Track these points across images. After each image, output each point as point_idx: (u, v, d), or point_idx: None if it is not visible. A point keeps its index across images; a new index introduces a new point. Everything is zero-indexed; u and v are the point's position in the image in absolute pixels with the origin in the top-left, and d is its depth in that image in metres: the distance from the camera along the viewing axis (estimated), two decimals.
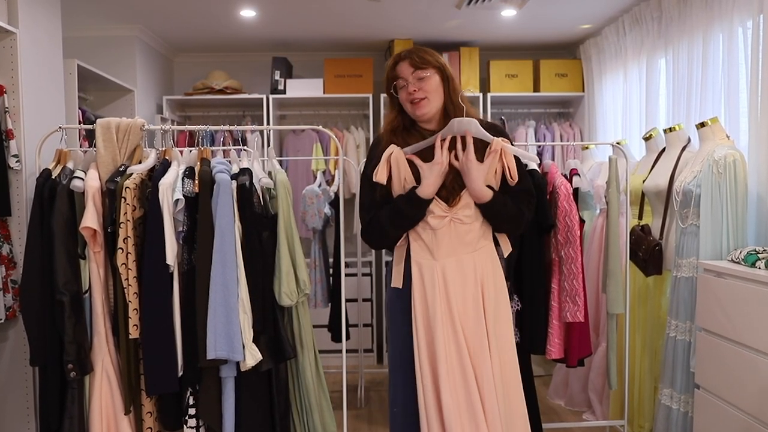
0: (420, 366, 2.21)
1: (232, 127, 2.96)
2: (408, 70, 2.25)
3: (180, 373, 2.56)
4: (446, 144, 2.19)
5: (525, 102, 5.45)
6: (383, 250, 5.21)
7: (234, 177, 2.63)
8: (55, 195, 2.57)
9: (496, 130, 2.33)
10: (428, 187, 2.19)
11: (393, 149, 2.21)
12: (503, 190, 2.25)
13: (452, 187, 2.23)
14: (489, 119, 4.72)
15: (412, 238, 2.27)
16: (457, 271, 2.23)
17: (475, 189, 2.19)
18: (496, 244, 2.36)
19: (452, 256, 2.23)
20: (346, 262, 4.57)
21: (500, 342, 2.25)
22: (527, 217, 2.31)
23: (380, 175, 2.19)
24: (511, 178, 2.19)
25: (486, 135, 2.21)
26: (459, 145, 2.19)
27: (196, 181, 2.59)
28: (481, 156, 2.21)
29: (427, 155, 2.21)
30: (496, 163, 2.21)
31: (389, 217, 2.23)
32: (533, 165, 2.32)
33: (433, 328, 2.20)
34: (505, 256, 2.38)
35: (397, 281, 2.31)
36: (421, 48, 2.31)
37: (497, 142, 2.19)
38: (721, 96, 3.30)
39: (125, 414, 2.58)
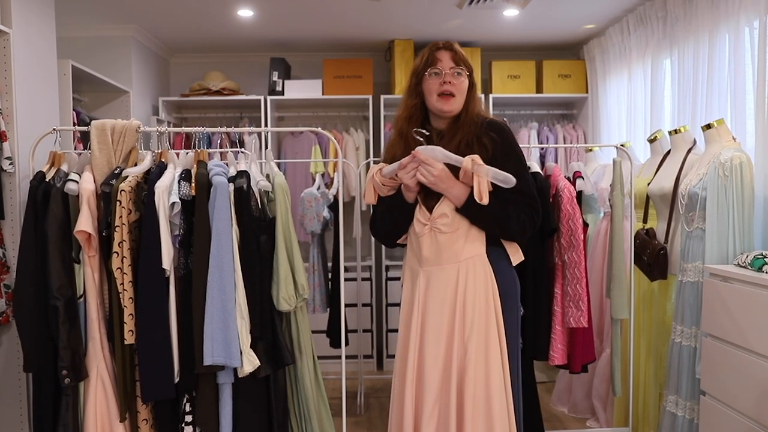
0: (396, 370, 2.31)
1: (229, 129, 2.93)
2: (448, 62, 2.27)
3: (176, 380, 2.54)
4: (410, 168, 2.19)
5: (527, 103, 5.43)
6: (383, 254, 5.19)
7: (231, 180, 2.62)
8: (49, 198, 2.55)
9: (497, 128, 2.28)
10: (406, 194, 2.27)
11: (374, 170, 2.29)
12: (494, 194, 2.17)
13: (433, 194, 2.23)
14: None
15: (408, 242, 2.35)
16: (438, 281, 2.23)
17: (448, 197, 2.21)
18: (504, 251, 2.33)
19: (435, 265, 2.24)
20: (345, 267, 4.54)
21: (485, 358, 2.19)
22: (517, 219, 2.22)
23: (368, 197, 2.31)
24: (480, 198, 2.11)
25: (455, 159, 2.16)
26: (423, 171, 2.16)
27: (193, 184, 2.57)
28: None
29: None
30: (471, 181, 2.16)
31: (382, 211, 2.34)
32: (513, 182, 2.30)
33: (407, 337, 2.27)
34: (513, 264, 2.33)
35: (402, 280, 2.41)
36: (457, 44, 2.33)
37: (466, 167, 2.14)
38: (728, 97, 3.27)
39: (120, 421, 2.56)
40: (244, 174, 2.64)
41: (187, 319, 2.53)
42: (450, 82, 2.24)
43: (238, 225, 2.58)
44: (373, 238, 5.06)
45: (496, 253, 2.27)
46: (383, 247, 5.20)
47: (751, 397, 2.51)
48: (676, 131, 3.34)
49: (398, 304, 5.00)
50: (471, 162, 2.12)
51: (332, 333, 3.92)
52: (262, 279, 2.64)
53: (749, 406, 2.53)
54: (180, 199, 2.52)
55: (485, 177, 2.12)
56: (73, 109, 3.84)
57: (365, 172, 4.99)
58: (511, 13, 4.37)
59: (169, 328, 2.52)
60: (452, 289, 2.21)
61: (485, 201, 2.10)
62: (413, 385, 2.21)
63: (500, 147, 2.25)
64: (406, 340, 2.27)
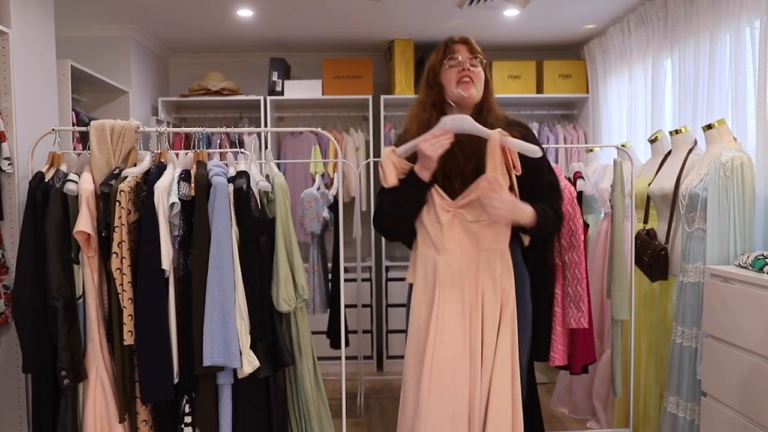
0: (407, 363, 2.26)
1: (228, 129, 2.92)
2: (465, 53, 2.28)
3: (176, 381, 2.53)
4: (442, 138, 2.15)
5: (528, 104, 5.42)
6: (383, 255, 5.17)
7: (231, 180, 2.61)
8: (49, 198, 2.54)
9: (523, 125, 2.34)
10: (421, 172, 2.19)
11: (387, 150, 2.24)
12: (523, 184, 2.22)
13: (470, 180, 2.20)
14: None
15: (419, 232, 2.28)
16: (458, 269, 2.21)
17: (520, 221, 2.20)
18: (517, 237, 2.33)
19: (457, 253, 2.21)
20: (345, 268, 4.53)
21: (511, 348, 2.21)
22: (562, 216, 2.34)
23: (390, 179, 2.21)
24: (515, 169, 2.16)
25: (482, 130, 2.17)
26: (492, 202, 2.12)
27: (192, 185, 2.56)
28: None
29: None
30: (500, 160, 2.16)
31: (391, 200, 2.25)
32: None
33: (426, 327, 2.23)
34: (525, 245, 2.36)
35: (410, 277, 2.35)
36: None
37: (494, 138, 2.14)
38: (728, 97, 3.26)
39: (120, 422, 2.55)
40: (243, 174, 2.63)
41: (187, 319, 2.52)
42: (469, 69, 2.25)
43: (237, 225, 2.57)
44: (373, 239, 5.07)
45: (513, 245, 2.30)
46: (383, 247, 5.19)
47: (752, 398, 2.50)
48: (676, 131, 3.33)
49: (399, 305, 4.99)
50: (500, 135, 2.15)
51: (332, 334, 3.91)
52: (261, 280, 2.63)
53: (751, 408, 2.51)
54: (179, 199, 2.51)
55: (515, 149, 2.15)
56: (72, 110, 3.83)
57: (365, 173, 4.99)
58: (511, 13, 4.36)
59: (168, 329, 2.51)
60: (473, 278, 2.20)
61: (519, 171, 2.16)
62: (430, 373, 2.18)
63: (531, 140, 2.29)
64: (426, 329, 2.22)
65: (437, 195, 2.21)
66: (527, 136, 2.30)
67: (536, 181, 2.28)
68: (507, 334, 2.22)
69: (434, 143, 2.13)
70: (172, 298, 2.53)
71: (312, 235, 4.04)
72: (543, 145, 3.92)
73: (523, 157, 2.20)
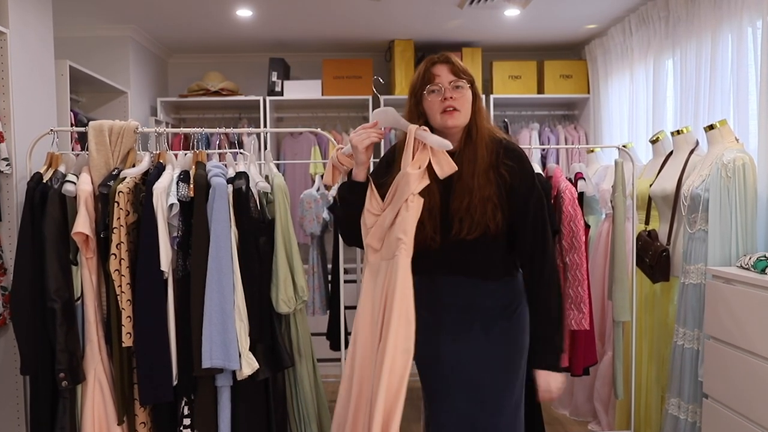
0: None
1: (228, 130, 2.92)
2: (447, 76, 2.08)
3: (174, 382, 2.53)
4: (369, 130, 2.06)
5: (529, 104, 5.41)
6: None
7: (230, 181, 2.61)
8: (47, 199, 2.54)
9: (516, 156, 2.12)
10: (356, 171, 2.12)
11: (335, 151, 2.16)
12: (514, 208, 2.06)
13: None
14: (491, 122, 4.65)
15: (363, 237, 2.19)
16: (370, 278, 2.11)
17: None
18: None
19: (385, 259, 2.09)
20: (345, 269, 4.51)
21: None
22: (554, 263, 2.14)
23: (326, 177, 2.18)
24: (442, 173, 1.98)
25: (404, 123, 2.06)
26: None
27: (191, 186, 2.56)
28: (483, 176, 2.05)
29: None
30: (416, 154, 1.99)
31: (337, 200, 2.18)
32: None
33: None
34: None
35: None
36: (454, 56, 2.16)
37: (411, 131, 2.01)
38: (730, 98, 3.25)
39: (118, 424, 2.55)
40: (242, 175, 2.62)
41: (186, 321, 2.52)
42: (451, 97, 2.06)
43: (237, 226, 2.57)
44: None
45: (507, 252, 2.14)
46: None
47: (754, 400, 2.50)
48: (678, 132, 3.32)
49: None
50: (415, 128, 2.01)
51: (332, 335, 3.90)
52: (261, 281, 2.63)
53: (752, 409, 2.51)
54: (178, 200, 2.51)
55: (427, 143, 2.00)
56: (71, 110, 3.82)
57: None
58: (512, 12, 4.35)
59: (167, 331, 2.50)
60: (392, 279, 2.02)
61: (448, 171, 1.99)
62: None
63: (519, 177, 2.10)
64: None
65: (370, 197, 2.08)
66: (520, 165, 2.10)
67: (524, 209, 2.09)
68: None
69: (361, 133, 2.04)
70: (171, 300, 2.52)
71: (312, 237, 4.03)
72: (543, 146, 3.95)
73: (514, 179, 2.07)
